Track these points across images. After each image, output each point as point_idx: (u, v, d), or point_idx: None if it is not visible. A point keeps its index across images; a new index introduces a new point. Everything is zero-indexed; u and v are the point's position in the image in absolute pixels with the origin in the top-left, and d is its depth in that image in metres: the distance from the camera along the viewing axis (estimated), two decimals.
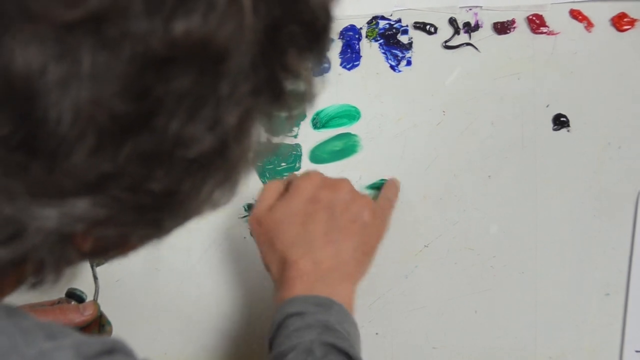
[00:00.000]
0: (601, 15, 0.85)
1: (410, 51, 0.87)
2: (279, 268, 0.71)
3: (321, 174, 0.76)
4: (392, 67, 0.87)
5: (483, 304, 0.86)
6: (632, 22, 0.84)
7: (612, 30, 0.85)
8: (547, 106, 0.85)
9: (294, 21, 0.35)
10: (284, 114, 0.39)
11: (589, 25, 0.85)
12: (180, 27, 0.30)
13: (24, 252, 0.34)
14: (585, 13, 0.85)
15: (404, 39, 0.87)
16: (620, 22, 0.84)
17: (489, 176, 0.86)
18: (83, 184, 0.32)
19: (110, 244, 0.40)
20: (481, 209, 0.86)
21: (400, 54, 0.87)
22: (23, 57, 0.28)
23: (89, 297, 0.76)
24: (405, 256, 0.86)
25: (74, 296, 0.75)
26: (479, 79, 0.86)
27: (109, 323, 0.77)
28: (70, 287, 0.75)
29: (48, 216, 0.32)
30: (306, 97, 0.40)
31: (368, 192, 0.86)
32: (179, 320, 0.88)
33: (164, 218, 0.37)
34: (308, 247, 0.70)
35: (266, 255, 0.73)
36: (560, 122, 0.85)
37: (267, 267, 0.74)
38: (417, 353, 0.86)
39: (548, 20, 0.86)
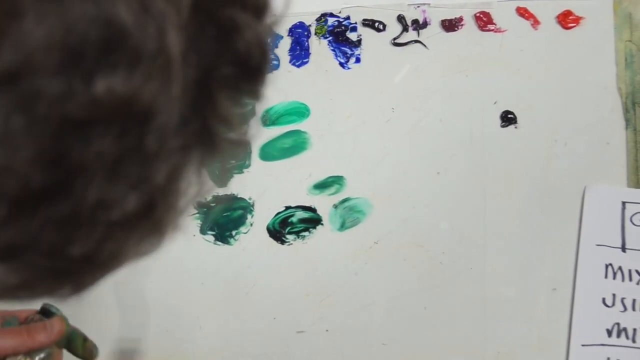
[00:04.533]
0: (547, 13, 0.86)
1: (359, 48, 0.87)
2: None
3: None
4: (341, 64, 0.87)
5: (432, 300, 0.86)
6: (577, 20, 0.85)
7: (558, 27, 0.86)
8: (495, 103, 0.86)
9: (226, 63, 0.33)
10: (218, 164, 0.36)
11: (535, 22, 0.86)
12: (101, 85, 0.27)
13: None
14: (532, 11, 0.86)
15: (352, 36, 0.87)
16: (565, 20, 0.85)
17: (438, 173, 0.86)
18: None
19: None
20: (430, 205, 0.86)
21: (349, 51, 0.87)
22: None
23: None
24: (355, 253, 0.86)
25: (47, 313, 0.69)
26: (427, 76, 0.87)
27: (95, 348, 0.72)
28: (45, 302, 0.68)
29: None
30: (241, 145, 0.37)
31: (315, 192, 0.86)
32: (126, 319, 0.87)
33: (83, 279, 0.35)
34: None
35: None
36: (507, 119, 0.86)
37: None
38: (367, 350, 0.86)
39: (495, 17, 0.86)
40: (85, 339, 0.72)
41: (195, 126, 0.32)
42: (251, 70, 0.34)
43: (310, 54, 0.87)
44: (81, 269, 0.33)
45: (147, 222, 0.33)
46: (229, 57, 0.33)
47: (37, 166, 0.28)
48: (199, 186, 0.36)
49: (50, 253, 0.31)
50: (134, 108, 0.28)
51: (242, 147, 0.37)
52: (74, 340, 0.71)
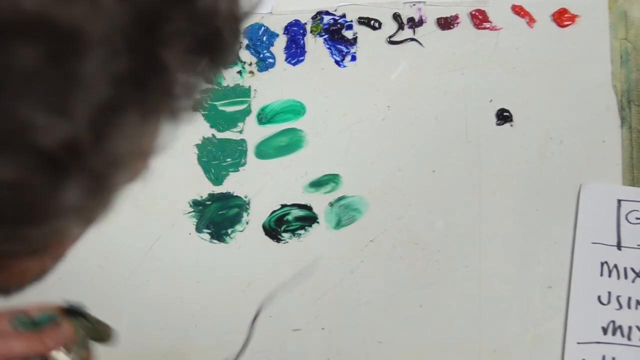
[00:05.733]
0: (542, 11, 0.86)
1: (354, 46, 0.87)
2: None
3: None
4: (337, 62, 0.87)
5: (428, 298, 0.86)
6: (572, 18, 0.85)
7: (554, 25, 0.86)
8: (491, 101, 0.86)
9: (180, 18, 0.32)
10: (165, 113, 0.35)
11: (530, 20, 0.86)
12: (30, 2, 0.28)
13: None
14: (527, 9, 0.86)
15: (348, 34, 0.87)
16: (561, 17, 0.85)
17: (434, 171, 0.86)
18: None
19: None
20: (426, 203, 0.86)
21: (344, 49, 0.87)
22: None
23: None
24: (351, 251, 0.86)
25: (72, 312, 0.62)
26: (423, 74, 0.87)
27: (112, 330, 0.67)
28: (68, 300, 0.62)
29: None
30: (186, 97, 0.35)
31: (311, 190, 0.86)
32: (123, 318, 0.87)
33: (22, 225, 0.33)
34: None
35: None
36: (503, 116, 0.86)
37: None
38: (363, 348, 0.86)
39: (491, 15, 0.86)
40: (103, 326, 0.68)
41: (134, 62, 0.31)
42: (208, 36, 0.34)
43: (306, 52, 0.87)
44: (14, 205, 0.31)
45: (81, 165, 0.31)
46: (183, 12, 0.32)
47: None
48: (148, 138, 0.34)
49: None
50: (54, 27, 0.29)
51: (186, 98, 0.35)
52: (99, 333, 0.68)
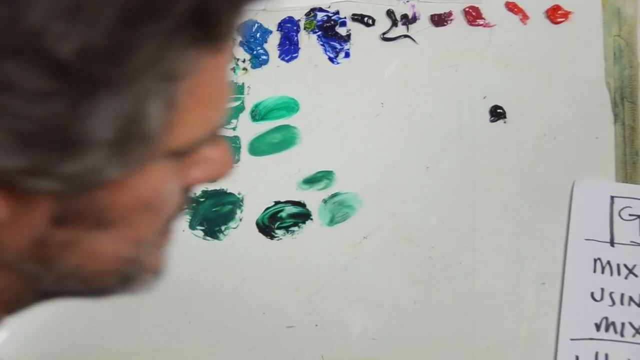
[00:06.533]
0: (536, 7, 0.86)
1: (348, 43, 0.87)
2: None
3: None
4: (330, 59, 0.87)
5: (422, 294, 0.86)
6: (566, 15, 0.85)
7: (547, 22, 0.86)
8: (484, 98, 0.86)
9: None
10: (190, 34, 0.32)
11: (524, 17, 0.86)
12: None
13: None
14: (521, 5, 0.86)
15: (342, 30, 0.87)
16: (554, 14, 0.85)
17: (427, 167, 0.86)
18: None
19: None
20: (420, 200, 0.86)
21: (338, 46, 0.87)
22: None
23: None
24: (345, 248, 0.86)
25: None
26: (416, 71, 0.87)
27: None
28: None
29: None
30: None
31: (304, 187, 0.86)
32: (116, 315, 0.87)
33: (50, 151, 0.31)
34: None
35: None
36: (497, 113, 0.86)
37: None
38: (356, 344, 0.86)
39: (484, 12, 0.86)
40: None
41: None
42: None
43: (299, 48, 0.87)
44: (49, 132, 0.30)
45: (99, 85, 0.29)
46: None
47: None
48: (175, 62, 0.31)
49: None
50: None
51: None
52: None
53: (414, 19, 0.87)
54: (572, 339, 0.85)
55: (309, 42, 0.87)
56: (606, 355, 0.84)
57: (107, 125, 0.30)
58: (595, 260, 0.85)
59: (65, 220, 0.34)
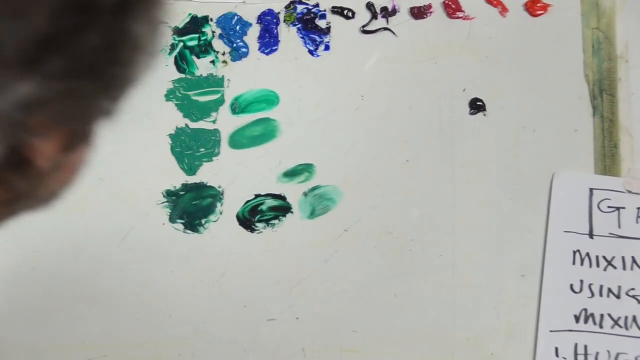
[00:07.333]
0: (515, 0, 0.86)
1: (328, 36, 0.87)
2: None
3: None
4: (310, 51, 0.87)
5: (402, 287, 0.86)
6: (545, 7, 0.86)
7: (526, 15, 0.86)
8: (464, 90, 0.86)
9: None
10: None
11: (503, 10, 0.86)
12: None
13: None
14: None
15: (322, 23, 0.87)
16: (533, 7, 0.86)
17: (408, 160, 0.87)
18: None
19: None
20: (400, 193, 0.86)
21: (318, 39, 0.87)
22: None
23: None
24: (325, 240, 0.86)
25: None
26: (396, 64, 0.87)
27: None
28: None
29: None
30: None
31: (284, 180, 0.86)
32: (97, 308, 0.87)
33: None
34: None
35: None
36: (476, 106, 0.86)
37: None
38: (337, 337, 0.86)
39: (463, 4, 0.86)
40: None
41: None
42: None
43: (279, 41, 0.87)
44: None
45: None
46: None
47: None
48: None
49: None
50: None
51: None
52: None
53: (394, 11, 0.87)
54: (551, 331, 0.85)
55: (288, 34, 0.87)
56: (585, 347, 0.85)
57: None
58: (574, 252, 0.85)
59: None
